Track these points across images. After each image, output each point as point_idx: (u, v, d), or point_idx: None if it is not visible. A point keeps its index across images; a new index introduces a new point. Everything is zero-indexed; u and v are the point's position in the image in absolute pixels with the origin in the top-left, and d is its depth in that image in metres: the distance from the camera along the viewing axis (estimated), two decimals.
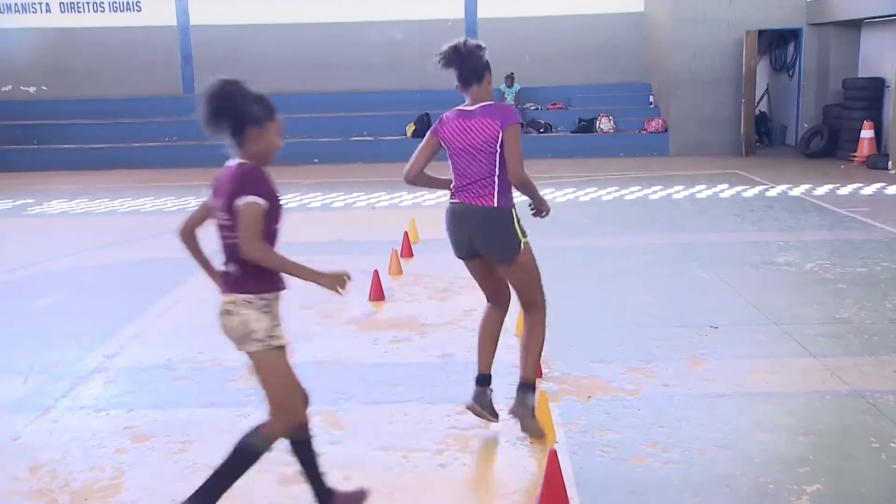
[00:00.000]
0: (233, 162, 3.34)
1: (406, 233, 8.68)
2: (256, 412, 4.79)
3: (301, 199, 12.70)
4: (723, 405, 4.72)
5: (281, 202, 3.40)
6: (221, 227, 3.38)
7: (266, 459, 4.18)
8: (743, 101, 16.32)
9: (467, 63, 4.21)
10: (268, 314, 3.45)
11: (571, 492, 3.71)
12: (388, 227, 9.39)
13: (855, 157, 14.66)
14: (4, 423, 4.74)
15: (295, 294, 7.56)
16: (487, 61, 4.26)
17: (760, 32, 16.52)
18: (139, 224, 11.05)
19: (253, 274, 3.37)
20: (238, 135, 3.29)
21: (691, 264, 7.93)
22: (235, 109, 3.28)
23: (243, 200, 3.22)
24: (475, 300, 6.55)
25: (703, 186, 12.71)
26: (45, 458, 4.28)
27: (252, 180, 3.27)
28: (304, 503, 3.77)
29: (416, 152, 4.39)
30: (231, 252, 3.34)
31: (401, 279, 7.67)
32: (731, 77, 16.54)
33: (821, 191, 11.98)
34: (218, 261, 3.42)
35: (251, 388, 5.17)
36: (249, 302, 3.39)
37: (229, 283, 3.41)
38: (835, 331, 5.95)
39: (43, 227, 11.19)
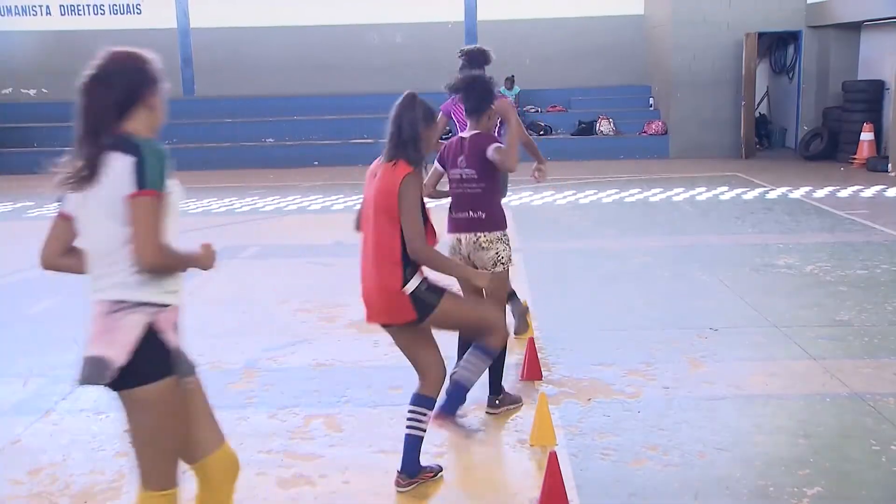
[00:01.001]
0: (468, 133, 4.59)
1: None
2: (256, 415, 4.80)
3: (301, 202, 12.70)
4: (723, 407, 4.72)
5: None
6: (466, 181, 4.53)
7: (266, 462, 4.19)
8: (743, 103, 16.33)
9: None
10: (508, 243, 4.60)
11: (572, 494, 3.71)
12: None
13: (855, 159, 14.66)
14: (4, 426, 4.74)
15: (295, 296, 7.58)
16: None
17: (760, 35, 16.54)
18: None
19: (499, 215, 4.56)
20: (482, 111, 4.54)
21: (691, 266, 7.93)
22: (489, 96, 4.54)
23: (493, 147, 4.46)
24: None
25: (703, 189, 12.71)
26: (45, 461, 4.28)
27: (492, 138, 4.57)
28: None
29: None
30: (478, 200, 4.47)
31: None
32: (731, 79, 16.55)
33: (821, 193, 11.98)
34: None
35: (251, 390, 5.18)
36: (499, 238, 4.53)
37: (480, 224, 4.49)
38: (835, 333, 5.94)
39: (43, 230, 11.17)
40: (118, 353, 2.57)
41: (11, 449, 4.46)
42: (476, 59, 5.46)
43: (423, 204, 3.77)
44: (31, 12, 18.65)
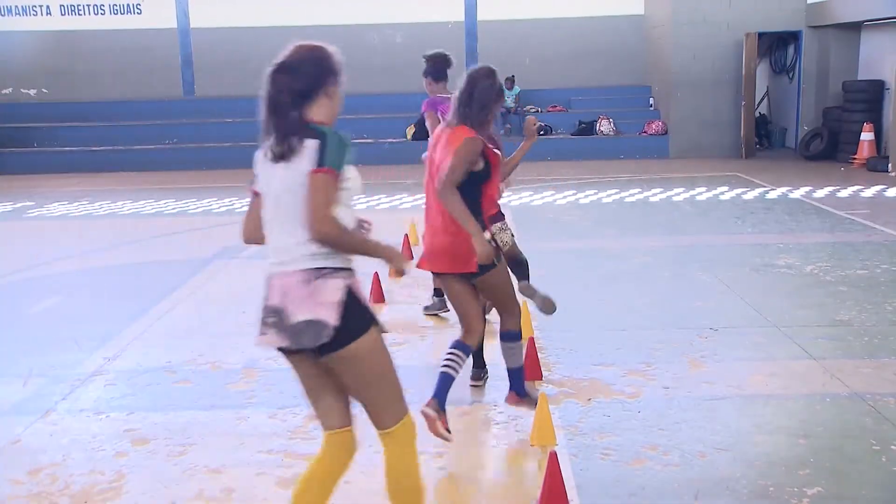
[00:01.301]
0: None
1: (406, 235, 8.68)
2: (256, 414, 4.80)
3: None
4: (723, 408, 4.72)
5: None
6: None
7: (266, 462, 4.19)
8: (743, 103, 16.33)
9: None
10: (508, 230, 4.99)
11: (572, 494, 3.71)
12: (389, 230, 9.39)
13: (855, 159, 14.66)
14: (4, 426, 4.74)
15: None
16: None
17: (760, 35, 16.53)
18: (139, 227, 11.06)
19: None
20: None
21: (691, 266, 7.92)
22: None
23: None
24: None
25: (703, 189, 12.71)
26: (45, 461, 4.28)
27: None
28: None
29: None
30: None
31: (401, 282, 7.66)
32: (731, 79, 16.54)
33: (821, 193, 11.98)
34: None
35: (251, 390, 5.18)
36: (502, 228, 4.82)
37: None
38: (835, 333, 5.94)
39: (43, 230, 11.19)
40: (331, 314, 2.82)
41: (11, 449, 4.46)
42: (439, 64, 6.08)
43: (489, 166, 4.21)
44: (32, 12, 18.64)
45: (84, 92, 18.54)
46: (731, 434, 4.38)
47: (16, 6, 18.56)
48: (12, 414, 4.93)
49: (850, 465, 4.05)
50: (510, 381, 4.68)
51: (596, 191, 12.79)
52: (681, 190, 12.66)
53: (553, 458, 3.60)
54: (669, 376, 5.18)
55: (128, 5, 18.68)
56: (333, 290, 2.83)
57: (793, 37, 16.90)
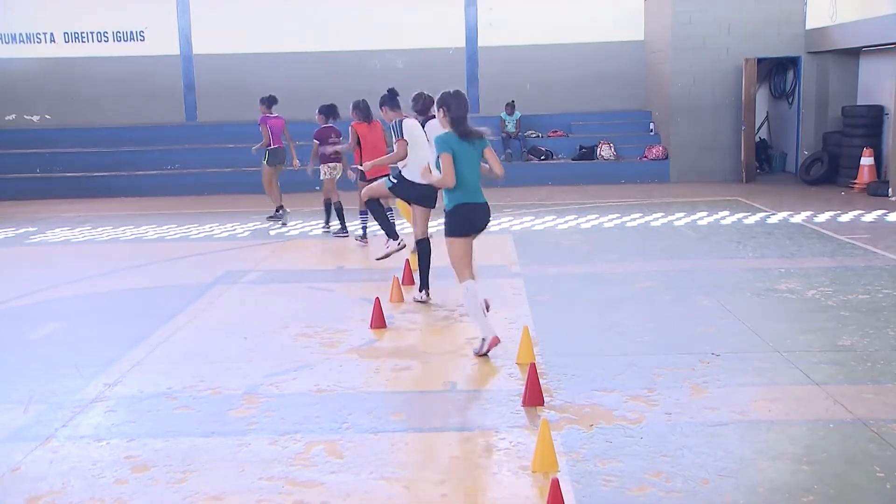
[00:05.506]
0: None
1: (407, 260, 8.70)
2: (257, 441, 4.78)
3: (303, 227, 12.72)
4: (725, 433, 4.70)
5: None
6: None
7: (267, 489, 4.16)
8: (743, 128, 16.39)
9: None
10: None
11: None
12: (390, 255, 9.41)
13: (855, 183, 14.69)
14: (4, 453, 4.72)
15: (296, 322, 7.54)
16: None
17: (760, 60, 16.63)
18: (141, 252, 11.07)
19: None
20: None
21: (692, 291, 7.92)
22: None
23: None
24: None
25: (704, 213, 12.73)
26: (45, 489, 4.26)
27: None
28: None
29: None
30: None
31: (402, 307, 7.66)
32: (731, 104, 16.62)
33: (822, 217, 11.99)
34: None
35: (252, 416, 5.17)
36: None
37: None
38: (837, 358, 5.93)
39: (45, 256, 11.20)
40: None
41: (11, 476, 4.44)
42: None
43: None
44: (35, 39, 18.78)
45: (87, 118, 18.64)
46: (733, 460, 4.36)
47: (20, 33, 18.71)
48: (12, 441, 4.91)
49: (853, 491, 4.02)
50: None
51: (597, 215, 12.81)
52: (682, 214, 12.67)
53: (555, 484, 3.58)
54: (672, 402, 5.16)
55: (131, 32, 18.81)
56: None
57: (792, 62, 17.00)
